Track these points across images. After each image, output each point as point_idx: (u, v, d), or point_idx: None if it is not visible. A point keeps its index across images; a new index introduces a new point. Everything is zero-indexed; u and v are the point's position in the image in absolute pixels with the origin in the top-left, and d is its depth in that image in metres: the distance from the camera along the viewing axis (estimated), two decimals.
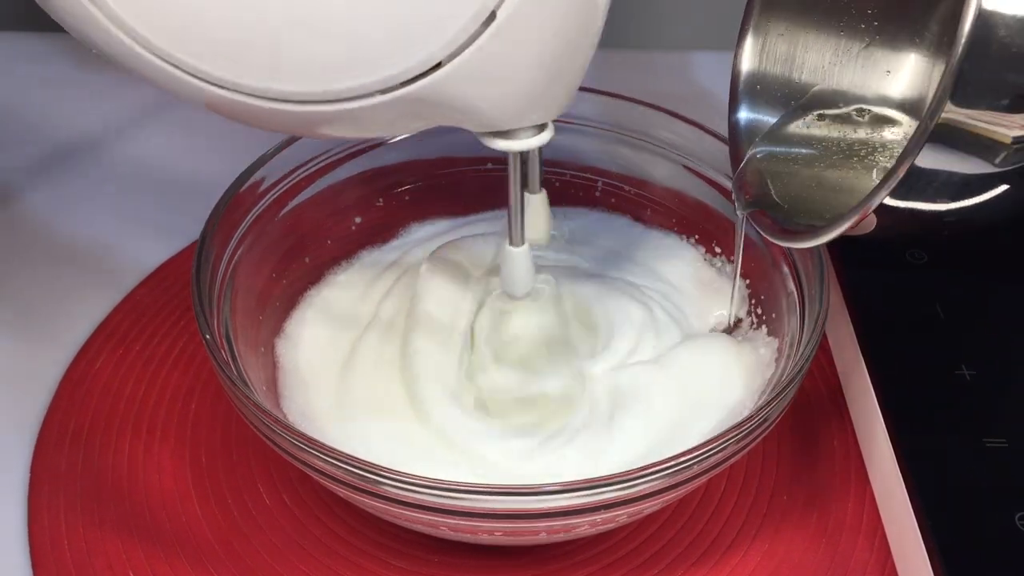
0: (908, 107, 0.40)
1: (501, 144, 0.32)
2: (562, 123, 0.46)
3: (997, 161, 0.31)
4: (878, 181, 0.31)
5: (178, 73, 0.29)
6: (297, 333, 0.43)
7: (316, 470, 0.33)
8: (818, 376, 0.44)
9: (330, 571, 0.37)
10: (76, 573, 0.37)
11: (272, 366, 0.41)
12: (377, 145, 0.45)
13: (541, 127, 0.32)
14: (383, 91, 0.29)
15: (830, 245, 0.45)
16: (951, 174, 0.31)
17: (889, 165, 0.31)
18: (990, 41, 0.28)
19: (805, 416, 0.43)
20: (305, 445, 0.32)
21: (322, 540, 0.38)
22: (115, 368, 0.44)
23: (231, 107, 0.30)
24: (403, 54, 0.28)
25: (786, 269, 0.41)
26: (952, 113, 0.29)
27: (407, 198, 0.47)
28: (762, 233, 0.38)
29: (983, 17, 0.28)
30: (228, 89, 0.29)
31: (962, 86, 0.28)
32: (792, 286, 0.40)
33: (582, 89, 0.45)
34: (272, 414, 0.33)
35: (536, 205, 0.38)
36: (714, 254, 0.45)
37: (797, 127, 0.40)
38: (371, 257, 0.46)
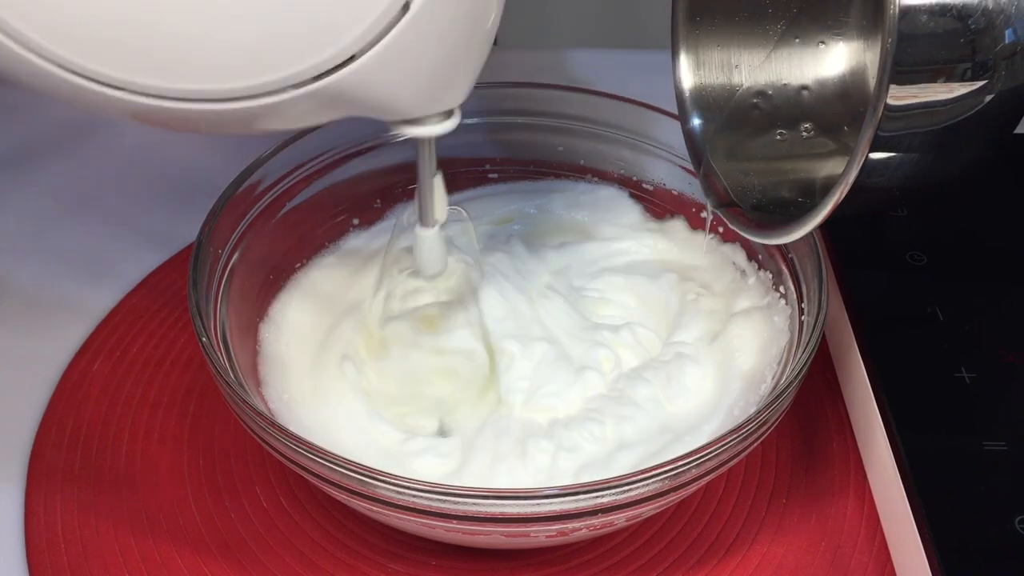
0: (848, 79, 0.41)
1: (414, 131, 0.32)
2: (562, 124, 0.46)
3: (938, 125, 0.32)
4: (833, 170, 0.33)
5: (78, 80, 0.28)
6: (280, 316, 0.42)
7: (313, 473, 0.33)
8: (817, 378, 0.44)
9: (327, 575, 0.37)
10: (72, 574, 0.37)
11: (253, 351, 0.41)
12: (374, 147, 0.45)
13: (448, 112, 0.33)
14: (295, 86, 0.28)
15: (829, 247, 0.45)
16: (902, 159, 0.32)
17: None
18: (917, 33, 0.29)
19: (804, 418, 0.43)
20: (302, 449, 0.32)
21: (319, 543, 0.38)
22: (113, 369, 0.44)
23: (140, 110, 0.28)
24: (317, 49, 0.27)
25: (785, 270, 0.41)
26: (889, 104, 0.30)
27: (405, 199, 0.47)
28: (733, 228, 0.39)
29: (904, 13, 0.29)
30: (133, 92, 0.28)
31: (896, 79, 0.30)
32: (791, 287, 0.40)
33: (582, 90, 0.46)
34: (269, 417, 0.33)
35: (437, 187, 0.38)
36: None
37: (746, 123, 0.42)
38: (358, 240, 0.46)
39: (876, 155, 0.31)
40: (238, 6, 0.26)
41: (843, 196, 0.32)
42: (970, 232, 0.47)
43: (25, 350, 0.45)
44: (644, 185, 0.47)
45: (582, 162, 0.47)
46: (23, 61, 0.27)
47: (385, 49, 0.28)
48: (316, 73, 0.28)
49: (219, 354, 0.36)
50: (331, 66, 0.28)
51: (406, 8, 0.27)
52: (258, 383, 0.39)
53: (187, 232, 0.49)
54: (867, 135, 0.31)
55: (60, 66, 0.27)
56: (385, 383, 0.40)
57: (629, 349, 0.42)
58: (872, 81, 0.31)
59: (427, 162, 0.35)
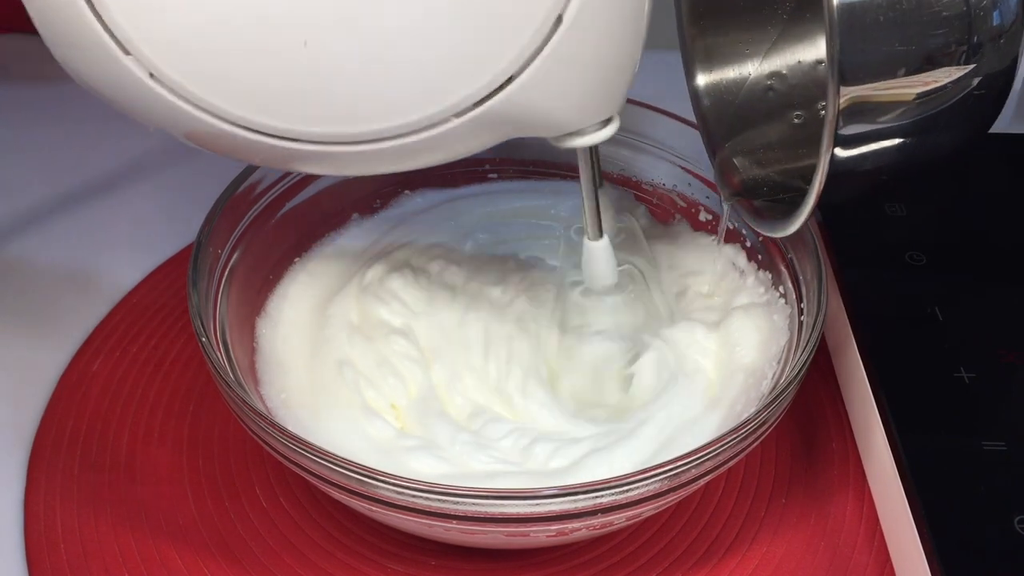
0: None
1: (574, 142, 0.32)
2: None
3: (907, 117, 0.31)
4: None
5: (246, 134, 0.29)
6: (277, 312, 0.42)
7: (312, 474, 0.33)
8: (817, 378, 0.44)
9: (326, 574, 0.37)
10: (72, 574, 0.37)
11: (251, 349, 0.40)
12: None
13: (607, 119, 0.33)
14: (458, 115, 0.28)
15: (829, 247, 0.45)
16: (881, 148, 0.32)
17: None
18: (864, 24, 0.29)
19: (804, 418, 0.43)
20: (301, 449, 0.32)
21: (319, 544, 0.38)
22: (113, 369, 0.44)
23: (303, 156, 0.29)
24: (476, 75, 0.28)
25: (784, 270, 0.41)
26: (854, 98, 0.30)
27: (406, 192, 0.47)
28: (745, 220, 0.39)
29: (846, 8, 0.28)
30: (301, 141, 0.29)
31: (851, 72, 0.29)
32: (791, 287, 0.40)
33: None
34: (268, 417, 0.33)
35: (602, 196, 0.38)
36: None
37: (761, 108, 0.41)
38: (358, 231, 0.46)
39: (849, 151, 0.31)
40: (398, 43, 0.27)
41: (821, 187, 0.32)
42: (970, 232, 0.47)
43: (25, 350, 0.45)
44: (644, 186, 0.47)
45: None
46: (196, 119, 0.29)
47: (542, 65, 0.28)
48: (477, 99, 0.28)
49: (218, 354, 0.36)
50: (491, 90, 0.28)
51: (559, 22, 0.27)
52: (256, 381, 0.39)
53: (187, 232, 0.49)
54: (827, 136, 0.30)
55: (229, 122, 0.28)
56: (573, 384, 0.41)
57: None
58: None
59: (589, 171, 0.35)
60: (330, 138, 0.29)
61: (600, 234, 0.37)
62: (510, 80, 0.28)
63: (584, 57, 0.29)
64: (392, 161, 0.30)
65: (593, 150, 0.34)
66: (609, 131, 0.33)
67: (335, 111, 0.28)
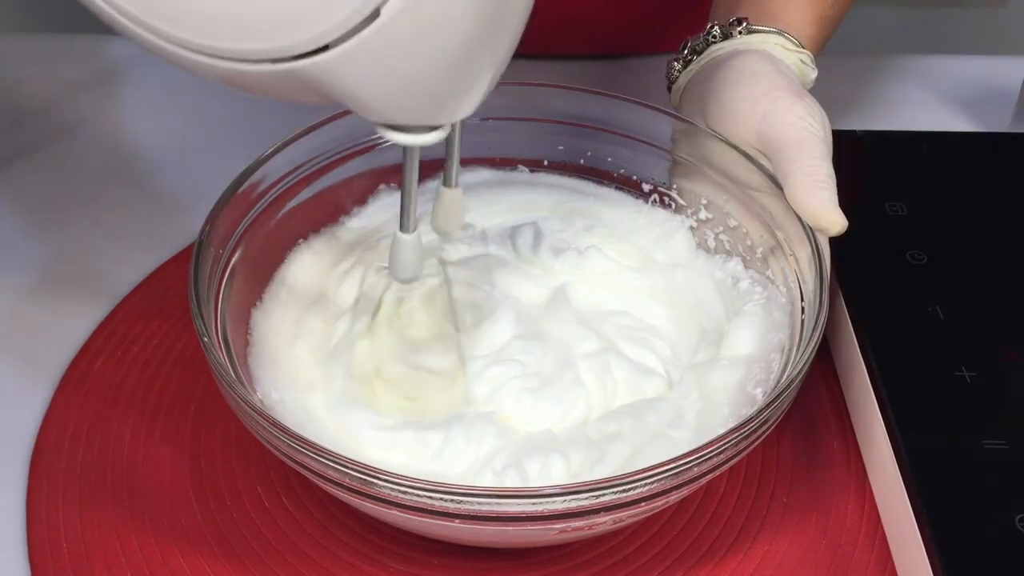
0: None
1: (393, 136, 0.33)
2: (563, 124, 0.46)
3: None
4: None
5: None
6: (273, 304, 0.42)
7: (314, 472, 0.33)
8: (818, 377, 0.44)
9: (328, 573, 0.37)
10: (74, 573, 0.37)
11: (245, 344, 0.41)
12: (373, 147, 0.45)
13: (431, 127, 0.33)
14: (273, 61, 0.30)
15: (830, 246, 0.45)
16: None
17: None
18: None
19: (805, 417, 0.43)
20: (303, 448, 0.32)
21: (321, 542, 0.38)
22: (115, 368, 0.44)
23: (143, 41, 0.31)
24: (291, 30, 0.29)
25: (785, 271, 0.41)
26: None
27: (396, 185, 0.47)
28: None
29: None
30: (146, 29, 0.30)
31: None
32: (792, 287, 0.40)
33: (582, 89, 0.46)
34: (270, 416, 0.33)
35: (453, 200, 0.39)
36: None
37: None
38: (351, 223, 0.46)
39: None
40: None
41: None
42: (970, 231, 0.47)
43: (26, 351, 0.45)
44: (644, 185, 0.47)
45: (582, 162, 0.47)
46: None
47: (355, 48, 0.29)
48: (292, 53, 0.29)
49: (220, 354, 0.36)
50: (305, 50, 0.29)
51: (375, 16, 0.28)
52: (255, 380, 0.39)
53: (187, 232, 0.49)
54: None
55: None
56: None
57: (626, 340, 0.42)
58: None
59: (411, 168, 0.35)
60: (169, 38, 0.30)
61: (412, 228, 0.37)
62: (325, 48, 0.29)
63: (402, 57, 0.30)
64: (227, 79, 0.31)
65: (416, 151, 0.35)
66: (423, 139, 0.33)
67: (168, 10, 0.29)
